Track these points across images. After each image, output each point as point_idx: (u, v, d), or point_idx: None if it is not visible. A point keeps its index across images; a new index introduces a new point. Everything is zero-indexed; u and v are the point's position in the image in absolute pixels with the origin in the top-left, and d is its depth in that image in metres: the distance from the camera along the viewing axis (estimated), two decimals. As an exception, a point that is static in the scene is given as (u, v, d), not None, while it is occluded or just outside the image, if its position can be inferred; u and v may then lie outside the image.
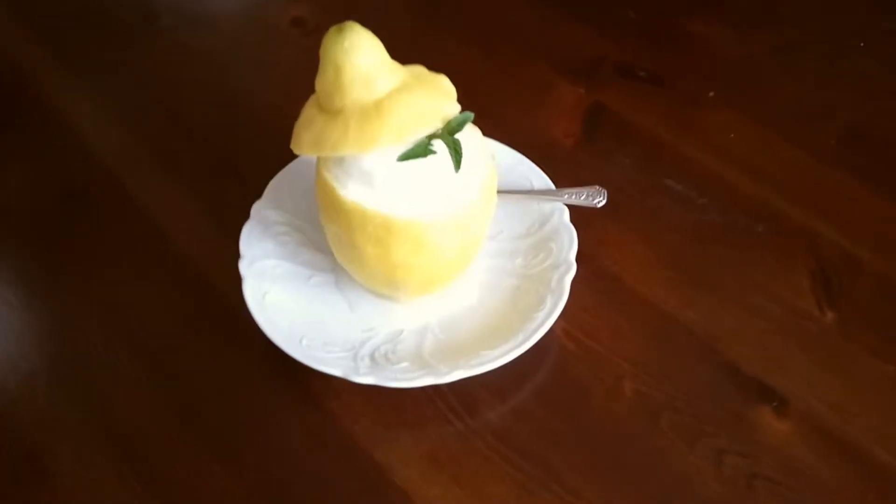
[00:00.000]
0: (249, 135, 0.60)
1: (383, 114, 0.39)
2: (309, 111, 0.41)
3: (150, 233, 0.54)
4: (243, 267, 0.47)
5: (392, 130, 0.38)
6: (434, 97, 0.40)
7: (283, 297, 0.47)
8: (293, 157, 0.51)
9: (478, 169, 0.42)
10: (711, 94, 0.62)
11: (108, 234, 0.54)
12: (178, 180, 0.57)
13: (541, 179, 0.52)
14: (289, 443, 0.43)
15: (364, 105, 0.39)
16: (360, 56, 0.39)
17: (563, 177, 0.53)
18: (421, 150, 0.40)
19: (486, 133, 0.55)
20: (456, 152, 0.40)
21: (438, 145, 0.40)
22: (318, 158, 0.42)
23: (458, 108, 0.41)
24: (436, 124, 0.40)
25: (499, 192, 0.50)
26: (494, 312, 0.47)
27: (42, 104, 0.64)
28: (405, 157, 0.39)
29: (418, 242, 0.40)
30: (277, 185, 0.52)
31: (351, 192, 0.40)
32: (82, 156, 0.60)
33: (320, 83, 0.40)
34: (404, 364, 0.43)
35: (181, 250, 0.53)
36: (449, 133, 0.40)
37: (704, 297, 0.49)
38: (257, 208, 0.51)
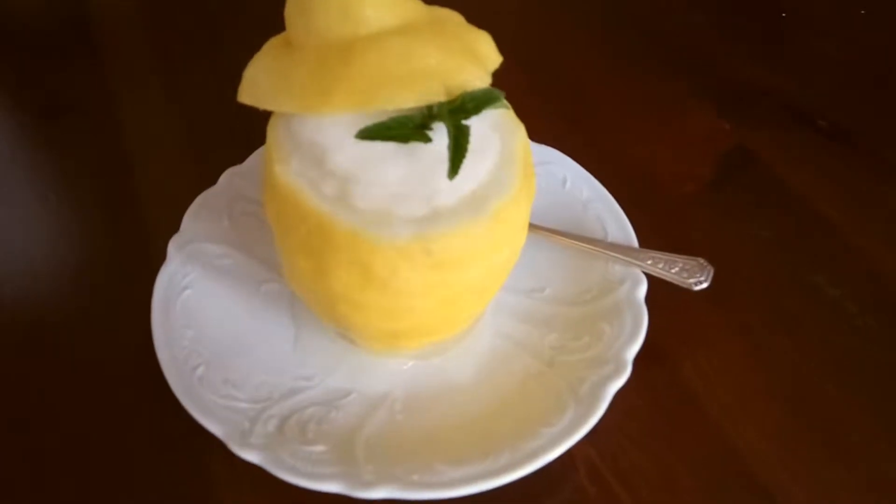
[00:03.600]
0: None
1: (351, 60, 0.24)
2: (271, 42, 0.28)
3: (119, 166, 0.42)
4: (173, 246, 0.34)
5: (355, 88, 0.24)
6: (446, 54, 0.25)
7: (210, 299, 0.33)
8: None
9: (497, 183, 0.27)
10: (921, 171, 0.43)
11: (84, 150, 0.44)
12: (182, 113, 0.46)
13: (621, 229, 0.36)
14: (138, 489, 0.30)
15: (333, 43, 0.25)
16: (344, -35, 0.24)
17: (660, 233, 0.37)
18: (400, 130, 0.25)
19: (578, 149, 0.39)
20: (457, 145, 0.24)
21: (438, 133, 0.25)
22: (273, 113, 0.28)
23: (484, 81, 0.26)
24: (434, 95, 0.25)
25: (545, 229, 0.34)
26: (488, 405, 0.31)
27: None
28: (368, 134, 0.25)
29: (366, 270, 0.26)
30: (270, 152, 0.39)
31: (292, 168, 0.26)
32: (92, 63, 0.49)
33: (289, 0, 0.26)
34: (319, 447, 0.29)
35: (143, 200, 0.41)
36: (452, 113, 0.25)
37: (829, 472, 0.31)
38: (230, 175, 0.38)
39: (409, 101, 0.24)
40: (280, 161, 0.26)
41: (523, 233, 0.29)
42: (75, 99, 0.47)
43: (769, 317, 0.36)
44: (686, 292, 0.34)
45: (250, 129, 0.39)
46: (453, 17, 0.28)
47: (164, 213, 0.38)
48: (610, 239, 0.36)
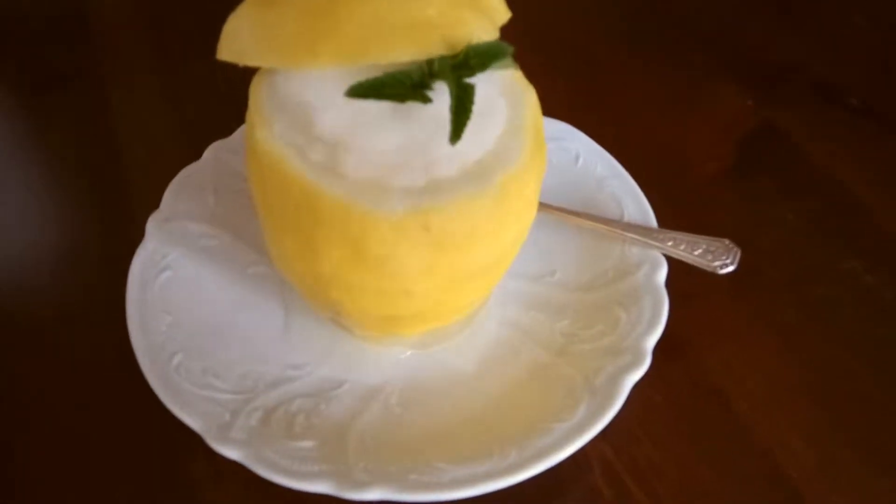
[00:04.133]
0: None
1: (342, 8, 0.22)
2: (255, -7, 0.25)
3: (108, 148, 0.40)
4: (152, 224, 0.32)
5: (345, 39, 0.21)
6: (448, 3, 0.22)
7: (191, 282, 0.31)
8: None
9: (504, 152, 0.24)
10: (960, 151, 0.40)
11: (78, 126, 0.41)
12: (172, 90, 0.43)
13: (639, 209, 0.33)
14: (114, 485, 0.28)
15: (322, -10, 0.22)
16: None
17: (680, 217, 0.34)
18: (396, 88, 0.22)
19: (591, 127, 0.36)
20: (459, 105, 0.22)
21: (439, 93, 0.22)
22: (257, 72, 0.26)
23: (491, 34, 0.23)
24: (434, 49, 0.22)
25: (556, 209, 0.32)
26: (493, 398, 0.28)
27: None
28: (359, 91, 0.22)
29: (358, 248, 0.23)
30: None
31: (275, 133, 0.24)
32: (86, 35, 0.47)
33: (274, -54, 0.24)
34: (307, 443, 0.26)
35: (131, 181, 0.38)
36: (455, 70, 0.22)
37: (867, 476, 0.28)
38: (216, 149, 0.35)
39: (406, 54, 0.22)
40: (263, 125, 0.24)
41: (532, 209, 0.26)
42: (66, 78, 0.44)
43: (800, 305, 0.33)
44: (710, 277, 0.31)
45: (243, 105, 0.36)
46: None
47: (153, 193, 0.35)
48: (626, 219, 0.33)
